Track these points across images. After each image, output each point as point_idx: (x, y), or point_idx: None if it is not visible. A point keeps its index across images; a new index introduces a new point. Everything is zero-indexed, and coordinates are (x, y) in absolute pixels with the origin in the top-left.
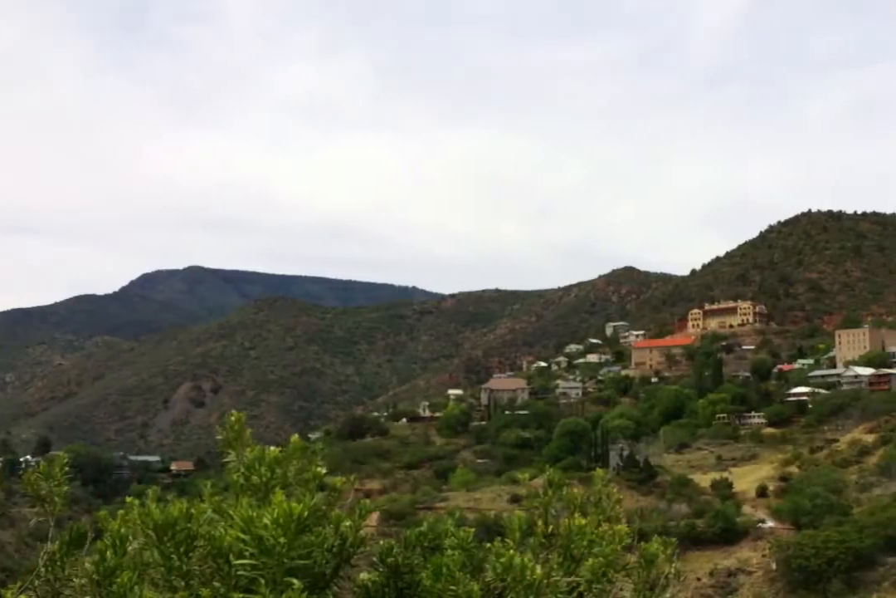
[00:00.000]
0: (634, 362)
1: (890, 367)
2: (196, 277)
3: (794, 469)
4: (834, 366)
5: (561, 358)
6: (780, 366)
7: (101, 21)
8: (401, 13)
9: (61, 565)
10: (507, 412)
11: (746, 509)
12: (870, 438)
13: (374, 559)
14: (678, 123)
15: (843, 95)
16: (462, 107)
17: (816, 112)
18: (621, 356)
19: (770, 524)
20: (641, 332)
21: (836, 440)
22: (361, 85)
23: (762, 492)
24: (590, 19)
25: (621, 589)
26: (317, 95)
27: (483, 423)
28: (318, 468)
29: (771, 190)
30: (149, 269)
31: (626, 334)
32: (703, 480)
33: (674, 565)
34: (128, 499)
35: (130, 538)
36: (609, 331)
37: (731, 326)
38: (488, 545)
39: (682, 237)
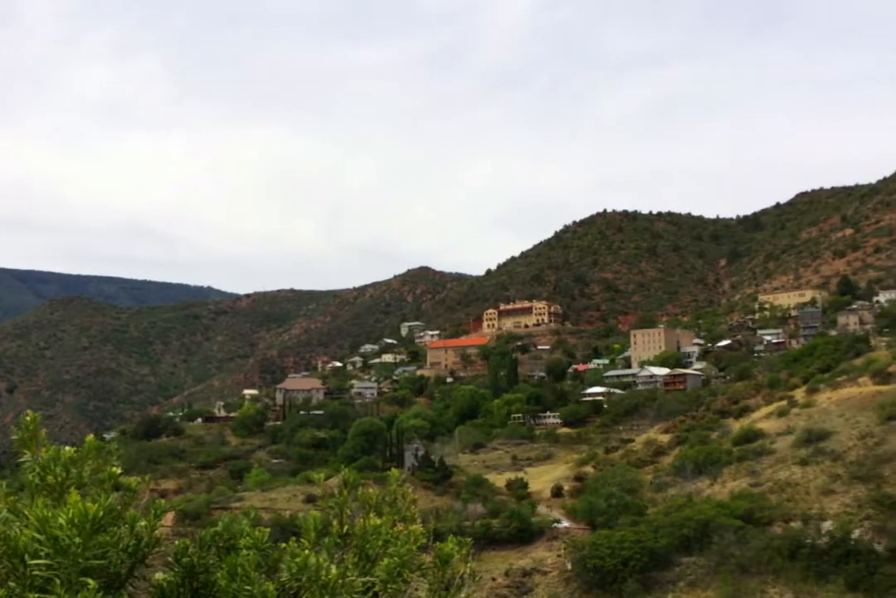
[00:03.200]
0: (430, 362)
1: (685, 367)
2: None
3: (589, 469)
4: (629, 366)
5: (356, 358)
6: (575, 366)
7: None
8: (196, 14)
9: None
10: (302, 412)
11: (542, 509)
12: (665, 438)
13: (170, 559)
14: (474, 123)
15: (638, 95)
16: (257, 107)
17: (611, 112)
18: (416, 356)
19: (565, 523)
20: (436, 332)
21: (631, 440)
22: (157, 85)
23: (557, 492)
24: (386, 20)
25: (416, 589)
26: (112, 96)
27: (278, 423)
28: (114, 468)
29: (566, 190)
30: None
31: (422, 334)
32: (499, 480)
33: (469, 565)
34: None
35: None
36: (404, 331)
37: (526, 326)
38: (283, 545)
39: (478, 238)
